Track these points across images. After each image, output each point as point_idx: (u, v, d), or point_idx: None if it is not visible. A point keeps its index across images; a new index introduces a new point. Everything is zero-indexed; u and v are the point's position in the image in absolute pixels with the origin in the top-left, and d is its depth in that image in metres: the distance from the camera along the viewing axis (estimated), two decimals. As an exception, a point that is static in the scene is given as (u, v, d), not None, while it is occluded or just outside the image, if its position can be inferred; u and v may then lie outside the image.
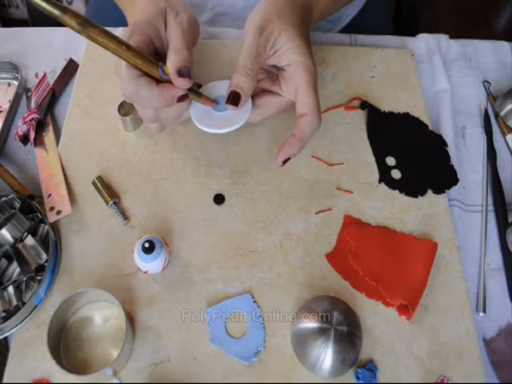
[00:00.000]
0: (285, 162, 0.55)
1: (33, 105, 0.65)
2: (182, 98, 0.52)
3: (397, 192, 0.62)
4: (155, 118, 0.54)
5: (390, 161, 0.65)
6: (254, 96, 0.56)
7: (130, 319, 0.53)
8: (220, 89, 0.57)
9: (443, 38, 0.77)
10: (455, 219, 0.62)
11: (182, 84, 0.51)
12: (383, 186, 0.63)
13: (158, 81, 0.51)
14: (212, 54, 0.72)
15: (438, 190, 0.63)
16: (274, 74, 0.58)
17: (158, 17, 0.53)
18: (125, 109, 0.63)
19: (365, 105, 0.68)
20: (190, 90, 0.52)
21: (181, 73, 0.50)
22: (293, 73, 0.54)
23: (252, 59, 0.53)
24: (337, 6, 0.69)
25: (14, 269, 0.55)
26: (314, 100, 0.53)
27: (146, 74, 0.51)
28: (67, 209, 0.58)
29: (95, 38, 0.46)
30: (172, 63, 0.51)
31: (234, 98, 0.53)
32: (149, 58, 0.50)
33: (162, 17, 0.54)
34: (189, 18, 0.55)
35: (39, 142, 0.65)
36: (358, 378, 0.51)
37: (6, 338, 0.53)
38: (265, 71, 0.58)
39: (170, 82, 0.51)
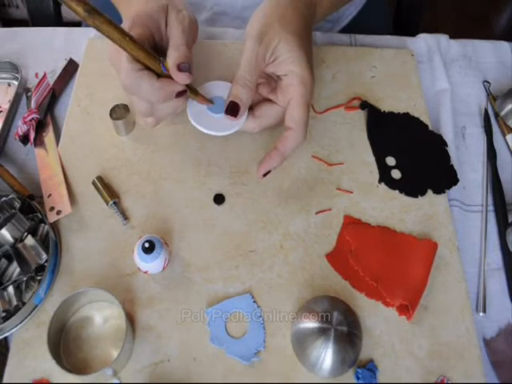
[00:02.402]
0: (265, 174, 0.56)
1: (33, 105, 0.65)
2: (180, 94, 0.52)
3: (397, 192, 0.62)
4: (150, 111, 0.54)
5: (390, 161, 0.65)
6: (253, 105, 0.57)
7: (130, 319, 0.53)
8: (217, 89, 0.57)
9: (443, 38, 0.77)
10: (455, 219, 0.62)
11: (182, 78, 0.51)
12: (383, 185, 0.63)
13: (158, 75, 0.51)
14: (212, 54, 0.72)
15: (438, 190, 0.63)
16: (273, 80, 0.58)
17: (159, 12, 0.53)
18: (117, 113, 0.63)
19: (365, 105, 0.68)
20: (187, 86, 0.53)
21: (180, 68, 0.51)
22: (288, 84, 0.54)
23: (251, 70, 0.53)
24: (339, 4, 0.69)
25: (14, 269, 0.55)
26: (303, 116, 0.54)
27: (147, 67, 0.51)
28: (67, 209, 0.57)
29: (100, 26, 0.45)
30: (172, 59, 0.51)
31: (232, 109, 0.54)
32: (151, 51, 0.50)
33: (163, 13, 0.54)
34: (189, 16, 0.55)
35: (39, 141, 0.65)
36: (358, 378, 0.51)
37: (6, 338, 0.52)
38: (264, 76, 0.58)
39: (169, 77, 0.51)
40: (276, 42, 0.53)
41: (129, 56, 0.50)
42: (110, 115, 0.63)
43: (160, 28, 0.54)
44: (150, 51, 0.50)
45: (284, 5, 0.55)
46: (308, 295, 0.55)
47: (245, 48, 0.53)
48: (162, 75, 0.51)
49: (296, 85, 0.54)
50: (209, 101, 0.56)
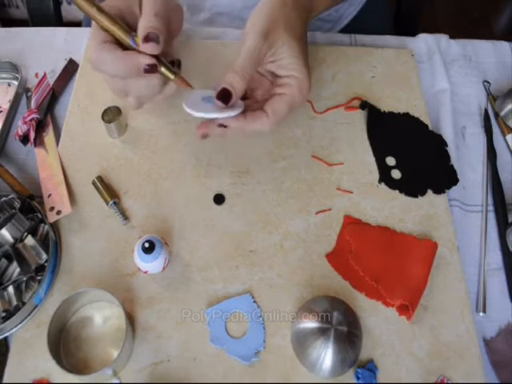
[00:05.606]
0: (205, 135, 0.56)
1: (33, 105, 0.65)
2: (149, 70, 0.50)
3: (397, 192, 0.62)
4: (124, 89, 0.53)
5: (390, 161, 0.65)
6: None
7: (130, 319, 0.53)
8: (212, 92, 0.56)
9: (443, 38, 0.77)
10: (455, 219, 0.62)
11: (148, 49, 0.49)
12: (383, 185, 0.63)
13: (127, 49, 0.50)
14: (212, 54, 0.72)
15: (438, 190, 0.63)
16: (265, 78, 0.58)
17: None
18: (109, 115, 0.63)
19: (365, 105, 0.68)
20: (161, 63, 0.50)
21: (147, 37, 0.48)
22: (286, 83, 0.55)
23: (251, 63, 0.53)
24: (332, 7, 0.69)
25: (14, 269, 0.55)
26: (284, 113, 0.54)
27: (118, 43, 0.50)
28: (67, 209, 0.58)
29: None
30: (140, 29, 0.49)
31: (224, 95, 0.52)
32: (121, 24, 0.50)
33: None
34: None
35: (39, 142, 0.65)
36: (358, 378, 0.51)
37: (6, 338, 0.53)
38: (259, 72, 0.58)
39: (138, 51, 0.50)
40: (280, 44, 0.53)
41: (96, 33, 0.49)
42: (102, 118, 0.63)
43: (132, 9, 0.52)
44: (119, 23, 0.49)
45: (289, 7, 0.55)
46: (308, 295, 0.55)
47: (247, 41, 0.53)
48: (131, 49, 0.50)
49: (294, 87, 0.55)
50: (187, 83, 0.53)
